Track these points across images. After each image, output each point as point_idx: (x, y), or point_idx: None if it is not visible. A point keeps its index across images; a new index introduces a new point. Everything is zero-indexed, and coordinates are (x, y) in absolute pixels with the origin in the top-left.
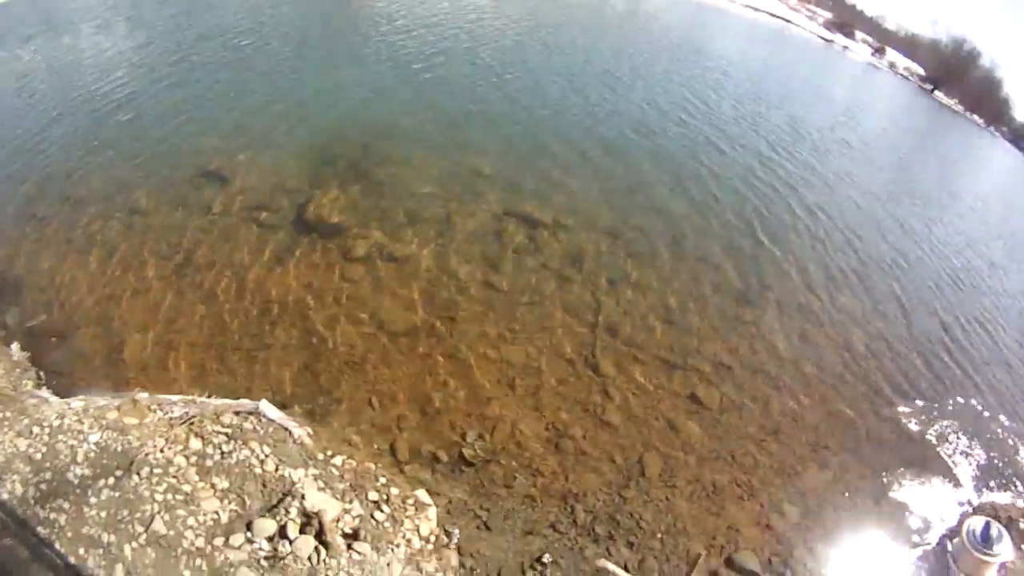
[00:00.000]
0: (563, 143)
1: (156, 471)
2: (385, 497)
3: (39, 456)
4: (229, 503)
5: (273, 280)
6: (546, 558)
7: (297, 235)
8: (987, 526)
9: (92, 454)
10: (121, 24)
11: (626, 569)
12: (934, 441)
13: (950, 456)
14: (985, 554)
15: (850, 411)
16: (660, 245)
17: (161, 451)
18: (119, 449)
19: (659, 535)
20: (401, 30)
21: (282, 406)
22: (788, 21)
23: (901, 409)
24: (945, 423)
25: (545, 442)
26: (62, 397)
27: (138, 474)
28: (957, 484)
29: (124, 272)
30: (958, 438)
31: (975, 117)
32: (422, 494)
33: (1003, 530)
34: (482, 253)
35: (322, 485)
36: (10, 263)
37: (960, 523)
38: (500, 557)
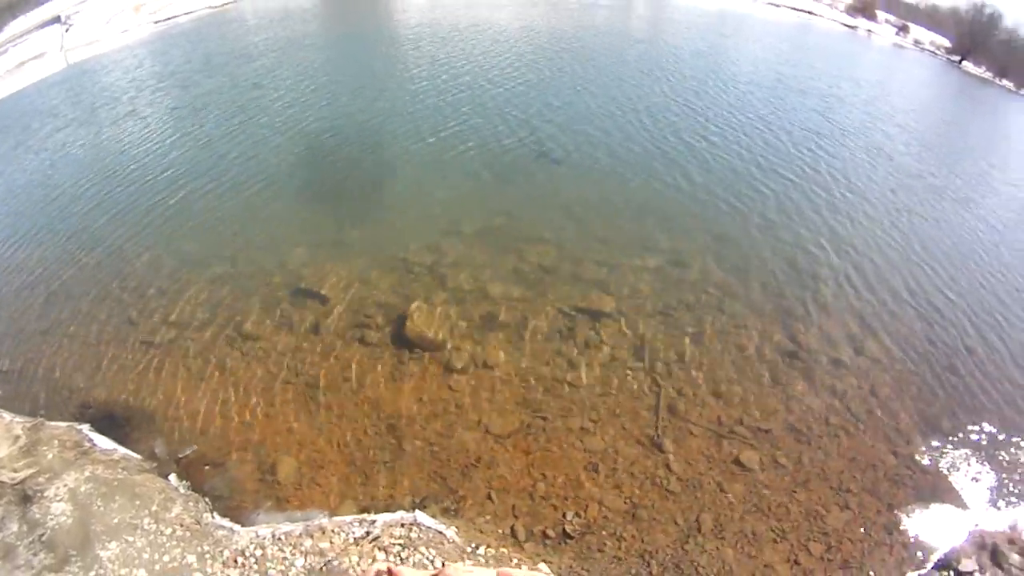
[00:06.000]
0: (604, 218)
1: None
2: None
3: None
4: None
5: (389, 396)
6: None
7: (400, 351)
8: None
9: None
10: (164, 116)
11: None
12: (946, 471)
13: (960, 483)
14: None
15: (870, 454)
16: (707, 318)
17: (357, 564)
18: (323, 569)
19: None
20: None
21: (422, 507)
22: (811, 13)
23: (917, 445)
24: (959, 452)
25: (624, 513)
26: (238, 523)
27: None
28: (965, 509)
29: (252, 397)
30: (969, 465)
31: (1005, 82)
32: (543, 566)
33: None
34: (559, 351)
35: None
36: (136, 393)
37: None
38: None
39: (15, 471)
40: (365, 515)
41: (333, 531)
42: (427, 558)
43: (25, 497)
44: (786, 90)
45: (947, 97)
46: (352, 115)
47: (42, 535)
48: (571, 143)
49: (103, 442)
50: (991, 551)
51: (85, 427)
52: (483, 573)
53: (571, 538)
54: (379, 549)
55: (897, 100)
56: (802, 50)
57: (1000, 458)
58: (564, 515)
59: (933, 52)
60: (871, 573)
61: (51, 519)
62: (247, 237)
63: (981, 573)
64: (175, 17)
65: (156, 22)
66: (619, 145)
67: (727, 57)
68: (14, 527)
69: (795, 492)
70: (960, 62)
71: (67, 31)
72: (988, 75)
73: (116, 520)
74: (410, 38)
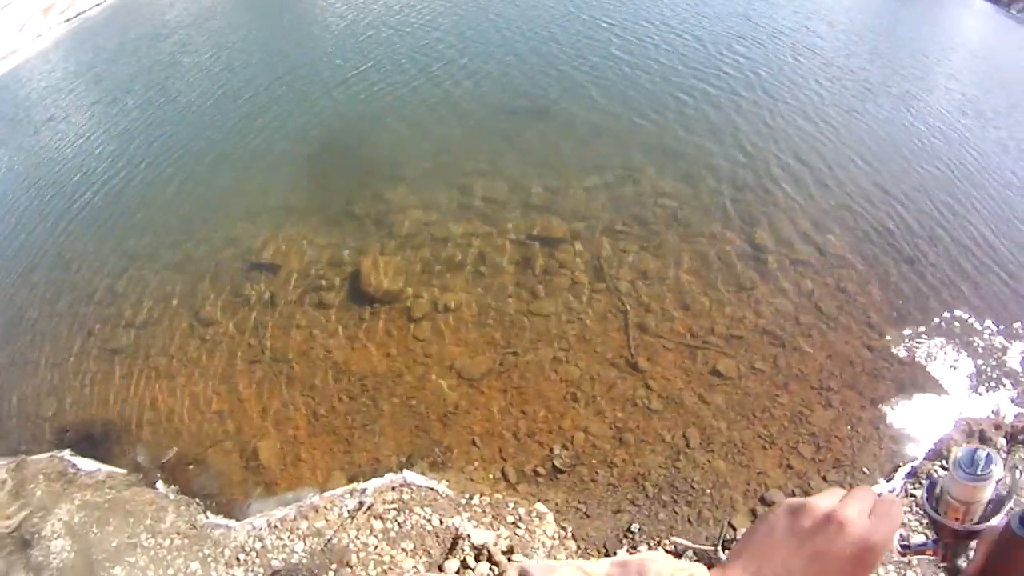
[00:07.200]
0: (542, 142)
1: (360, 555)
2: (518, 516)
3: None
4: (420, 558)
5: (356, 357)
6: (633, 527)
7: (360, 309)
8: (972, 453)
9: (305, 560)
10: (84, 114)
11: (689, 522)
12: (923, 361)
13: (939, 372)
14: (975, 478)
15: (846, 350)
16: (662, 231)
17: (357, 538)
18: (324, 549)
19: (708, 491)
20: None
21: (410, 465)
22: None
23: (892, 337)
24: (934, 341)
25: (611, 439)
26: (233, 519)
27: (349, 565)
28: (946, 397)
29: (221, 385)
30: (946, 354)
31: None
32: (540, 506)
33: (986, 453)
34: (518, 283)
35: (476, 523)
36: (108, 405)
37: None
38: (602, 535)
39: (8, 518)
40: (355, 484)
41: (326, 508)
42: (424, 518)
43: (24, 542)
44: None
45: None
46: (270, 72)
47: None
48: (493, 71)
49: (86, 464)
50: (979, 438)
51: (66, 453)
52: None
53: (562, 472)
54: (375, 518)
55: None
56: None
57: (975, 344)
58: (552, 450)
59: None
60: (864, 470)
61: (54, 558)
62: (189, 220)
63: None
64: (85, 11)
65: (67, 20)
66: (541, 68)
67: None
68: None
69: (777, 396)
70: None
71: None
72: None
73: (115, 543)
74: None
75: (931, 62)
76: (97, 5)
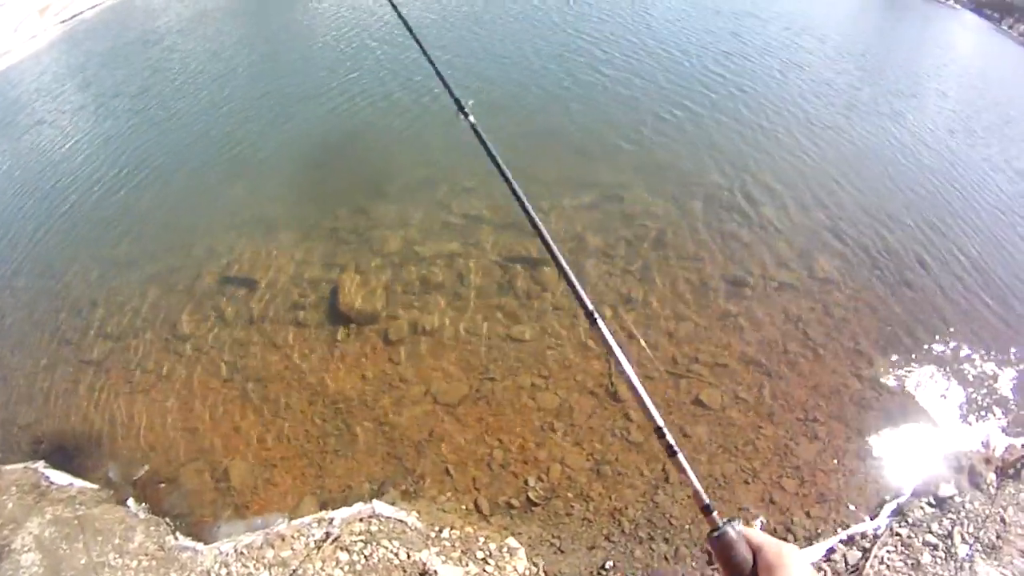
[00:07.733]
0: (526, 159)
1: None
2: (488, 552)
3: None
4: None
5: (331, 379)
6: (608, 564)
7: (336, 328)
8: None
9: None
10: (71, 120)
11: (666, 559)
12: (912, 391)
13: (928, 402)
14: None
15: (833, 379)
16: (646, 253)
17: (322, 571)
18: None
19: (686, 527)
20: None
21: (380, 493)
22: None
23: (880, 366)
24: (923, 369)
25: (589, 471)
26: (201, 541)
27: None
28: (935, 428)
29: (195, 402)
30: (935, 383)
31: None
32: (511, 540)
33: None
34: (498, 306)
35: (445, 558)
36: (83, 417)
37: None
38: (575, 572)
39: None
40: (323, 513)
41: (293, 536)
42: (391, 551)
43: None
44: (700, 10)
45: (873, 9)
46: (255, 81)
47: None
48: (477, 85)
49: (59, 478)
50: (968, 472)
51: (40, 464)
52: None
53: (536, 505)
54: (341, 549)
55: (818, 14)
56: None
57: (965, 373)
58: (526, 481)
59: None
60: (850, 506)
61: (23, 572)
62: (168, 229)
63: (961, 496)
64: (80, 13)
65: (63, 21)
66: (524, 84)
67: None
68: None
69: (761, 427)
70: None
71: None
72: None
73: (83, 561)
74: None
75: (921, 79)
76: (93, 7)
